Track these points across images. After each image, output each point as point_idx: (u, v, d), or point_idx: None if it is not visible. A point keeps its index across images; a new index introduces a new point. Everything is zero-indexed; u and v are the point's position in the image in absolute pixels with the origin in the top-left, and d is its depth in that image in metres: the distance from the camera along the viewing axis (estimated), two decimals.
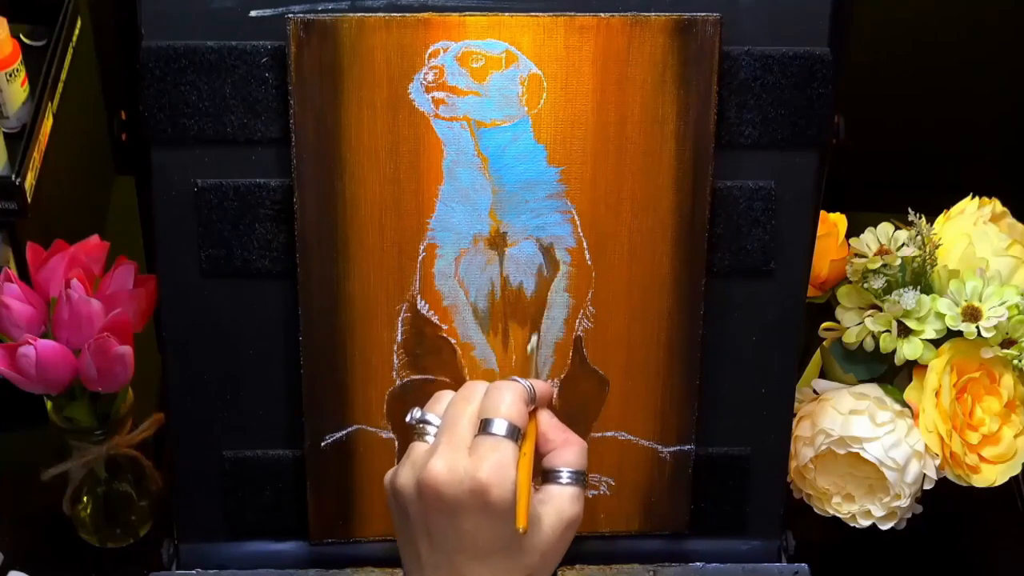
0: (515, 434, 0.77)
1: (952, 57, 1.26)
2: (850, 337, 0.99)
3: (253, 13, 0.85)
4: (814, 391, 1.01)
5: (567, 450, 0.80)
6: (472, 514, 0.76)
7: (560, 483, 0.79)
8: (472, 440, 0.77)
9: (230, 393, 0.91)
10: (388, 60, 0.85)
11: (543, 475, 0.80)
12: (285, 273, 0.89)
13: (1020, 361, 0.97)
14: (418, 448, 0.78)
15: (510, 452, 0.76)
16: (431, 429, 0.79)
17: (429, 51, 0.85)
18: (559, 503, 0.78)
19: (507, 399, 0.78)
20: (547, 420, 0.81)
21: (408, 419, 0.80)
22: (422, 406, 0.81)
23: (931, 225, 1.00)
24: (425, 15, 0.84)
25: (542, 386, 0.81)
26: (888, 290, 0.98)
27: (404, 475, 0.78)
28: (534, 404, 0.80)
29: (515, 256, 0.89)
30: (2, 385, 0.95)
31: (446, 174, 0.87)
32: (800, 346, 0.95)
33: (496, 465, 0.75)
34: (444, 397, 0.80)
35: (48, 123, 1.05)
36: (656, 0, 0.85)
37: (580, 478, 0.80)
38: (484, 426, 0.77)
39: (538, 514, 0.78)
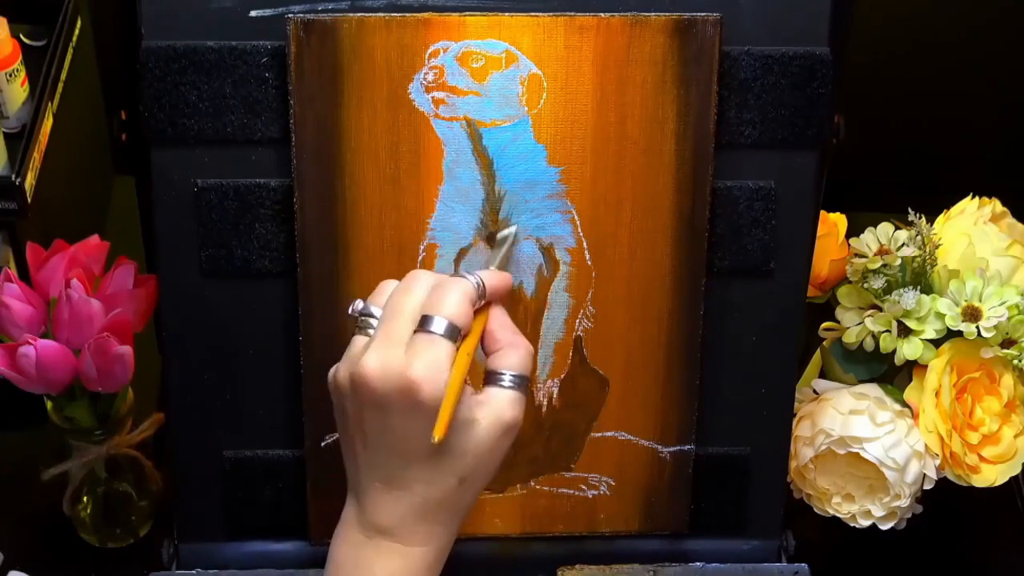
0: (454, 334, 0.73)
1: (952, 57, 1.26)
2: (850, 337, 0.98)
3: (253, 13, 0.85)
4: (814, 391, 1.01)
5: (512, 352, 0.76)
6: (401, 412, 0.72)
7: (501, 386, 0.75)
8: (410, 336, 0.73)
9: (230, 393, 0.91)
10: (388, 60, 0.85)
11: (485, 376, 0.76)
12: (285, 273, 0.89)
13: (1020, 361, 0.97)
14: (358, 343, 0.75)
15: (445, 351, 0.72)
16: (373, 322, 0.75)
17: (429, 51, 0.85)
18: (498, 406, 0.74)
19: (451, 297, 0.73)
20: (498, 319, 0.77)
21: (350, 311, 0.77)
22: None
23: (931, 225, 1.00)
24: (425, 15, 0.84)
25: (496, 278, 0.77)
26: (888, 290, 0.98)
27: (341, 370, 0.75)
28: (483, 300, 0.76)
29: (515, 256, 0.89)
30: (2, 385, 0.95)
31: (446, 174, 0.87)
32: (800, 346, 0.95)
33: (429, 363, 0.72)
34: (387, 287, 0.76)
35: (48, 123, 1.05)
36: (656, 0, 0.85)
37: (522, 383, 0.75)
38: (423, 323, 0.73)
39: (474, 417, 0.73)
